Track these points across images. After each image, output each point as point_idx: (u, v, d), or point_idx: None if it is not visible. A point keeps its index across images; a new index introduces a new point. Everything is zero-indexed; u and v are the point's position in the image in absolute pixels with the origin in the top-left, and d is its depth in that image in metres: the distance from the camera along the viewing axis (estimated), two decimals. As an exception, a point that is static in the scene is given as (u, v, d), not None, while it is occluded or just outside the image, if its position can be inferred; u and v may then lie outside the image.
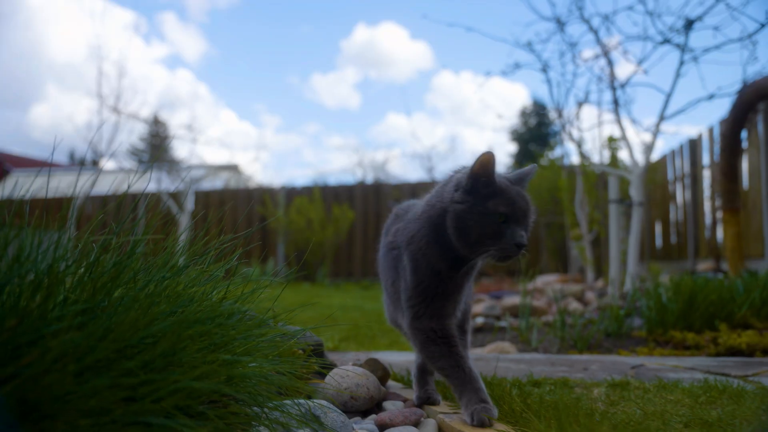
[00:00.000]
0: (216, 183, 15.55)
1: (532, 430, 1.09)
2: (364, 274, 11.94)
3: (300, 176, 47.42)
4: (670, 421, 1.25)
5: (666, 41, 4.48)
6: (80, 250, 0.94)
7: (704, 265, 7.93)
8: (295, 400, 1.23)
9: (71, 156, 29.16)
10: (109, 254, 1.06)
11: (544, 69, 5.01)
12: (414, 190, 11.94)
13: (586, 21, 4.79)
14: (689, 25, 4.33)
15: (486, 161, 1.32)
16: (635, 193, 4.58)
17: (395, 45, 50.07)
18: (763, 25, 3.97)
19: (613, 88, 4.76)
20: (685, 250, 9.07)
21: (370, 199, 12.37)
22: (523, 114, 23.61)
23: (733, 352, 2.38)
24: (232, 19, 49.27)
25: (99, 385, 0.69)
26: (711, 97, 4.45)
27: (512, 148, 23.83)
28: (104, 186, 14.80)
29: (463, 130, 40.12)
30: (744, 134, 7.32)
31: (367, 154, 22.93)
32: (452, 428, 1.16)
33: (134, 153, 31.33)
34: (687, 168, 9.11)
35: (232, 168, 17.78)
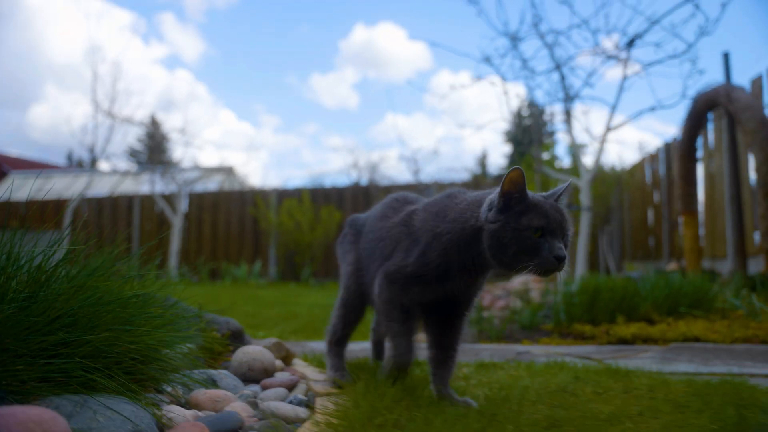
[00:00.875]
0: (210, 185, 15.92)
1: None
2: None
3: (297, 177, 47.91)
4: (486, 386, 1.65)
5: (611, 57, 4.88)
6: (27, 255, 1.34)
7: (674, 265, 8.30)
8: (202, 370, 1.64)
9: (69, 157, 29.70)
10: (54, 258, 1.46)
11: (502, 82, 5.41)
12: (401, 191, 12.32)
13: (541, 37, 5.18)
14: (630, 42, 4.72)
15: (515, 177, 1.35)
16: (584, 198, 4.97)
17: (394, 45, 50.45)
18: (690, 46, 4.36)
19: (565, 100, 5.15)
20: (662, 250, 9.46)
21: (360, 201, 12.75)
22: (518, 115, 24.01)
23: (622, 341, 2.77)
24: (230, 19, 49.74)
25: (30, 341, 1.10)
26: (653, 109, 4.84)
27: (507, 149, 24.26)
28: (101, 187, 15.17)
29: (462, 131, 40.47)
30: (711, 139, 7.72)
31: (362, 155, 23.27)
32: (311, 387, 1.57)
33: (132, 154, 31.89)
34: (663, 171, 9.50)
35: (227, 170, 18.17)
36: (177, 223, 12.18)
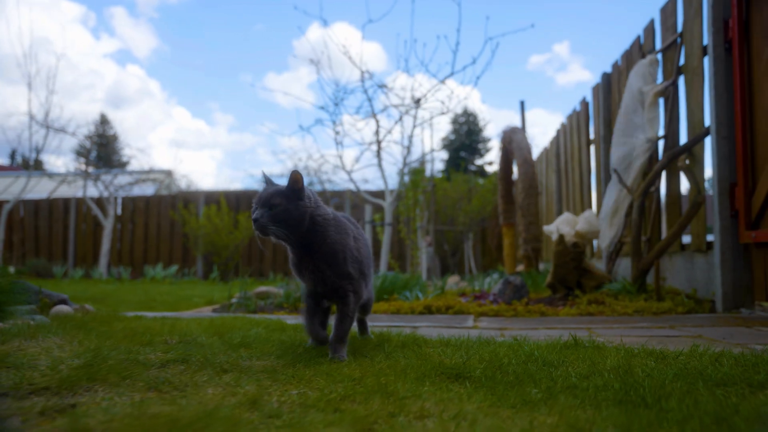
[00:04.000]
0: (148, 189, 17.49)
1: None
2: (275, 273, 14.10)
3: (245, 178, 49.26)
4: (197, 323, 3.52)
5: (407, 112, 6.83)
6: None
7: (522, 267, 10.32)
8: (34, 315, 3.48)
9: (12, 156, 30.77)
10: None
11: (334, 126, 7.31)
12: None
13: (365, 91, 7.10)
14: (417, 102, 6.67)
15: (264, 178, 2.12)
16: (387, 216, 6.91)
17: (348, 46, 52.16)
18: (448, 110, 6.31)
19: (378, 143, 7.08)
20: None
21: (280, 207, 14.52)
22: (455, 122, 26.02)
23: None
24: (183, 15, 50.95)
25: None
26: (432, 150, 6.76)
27: (444, 155, 26.28)
28: (40, 190, 16.61)
29: (417, 132, 42.45)
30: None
31: (303, 158, 25.01)
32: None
33: (80, 153, 33.11)
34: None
35: (166, 173, 19.77)
36: (108, 226, 13.81)
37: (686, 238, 5.27)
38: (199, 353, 1.99)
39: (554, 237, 5.21)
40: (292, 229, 1.98)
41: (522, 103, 8.03)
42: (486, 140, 26.03)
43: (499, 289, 4.99)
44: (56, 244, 15.26)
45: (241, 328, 2.77)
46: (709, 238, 4.71)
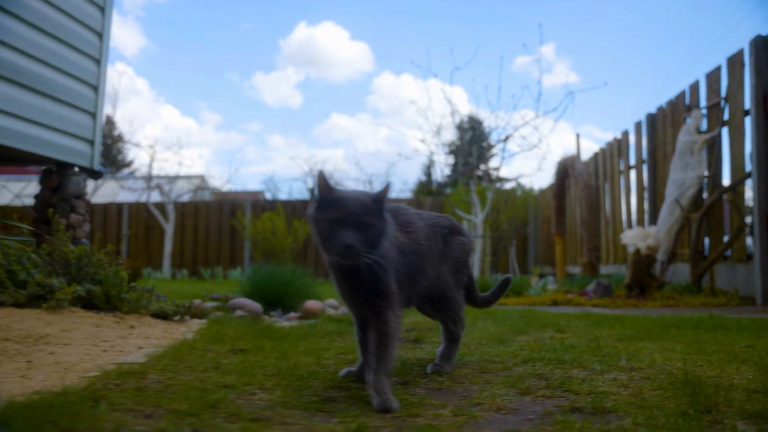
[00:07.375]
0: (184, 194, 19.10)
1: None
2: (317, 274, 15.88)
3: (247, 176, 50.53)
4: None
5: (500, 142, 8.74)
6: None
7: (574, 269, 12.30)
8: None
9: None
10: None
11: (430, 158, 9.18)
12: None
13: (457, 127, 8.99)
14: (506, 139, 8.60)
15: (318, 179, 1.69)
16: (479, 230, 8.81)
17: (335, 45, 53.73)
18: (536, 144, 8.24)
19: (471, 170, 8.97)
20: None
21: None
22: (460, 128, 27.81)
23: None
24: (169, 14, 52.09)
25: (290, 298, 4.75)
26: (516, 178, 8.67)
27: (450, 160, 28.14)
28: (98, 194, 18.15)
29: (405, 132, 44.30)
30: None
31: (316, 164, 26.80)
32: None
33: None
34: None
35: (199, 178, 21.39)
36: (169, 230, 15.45)
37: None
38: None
39: (630, 249, 7.17)
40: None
41: (578, 135, 10.02)
42: (491, 146, 27.93)
43: (593, 288, 6.93)
44: (110, 246, 16.82)
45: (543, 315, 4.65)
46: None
